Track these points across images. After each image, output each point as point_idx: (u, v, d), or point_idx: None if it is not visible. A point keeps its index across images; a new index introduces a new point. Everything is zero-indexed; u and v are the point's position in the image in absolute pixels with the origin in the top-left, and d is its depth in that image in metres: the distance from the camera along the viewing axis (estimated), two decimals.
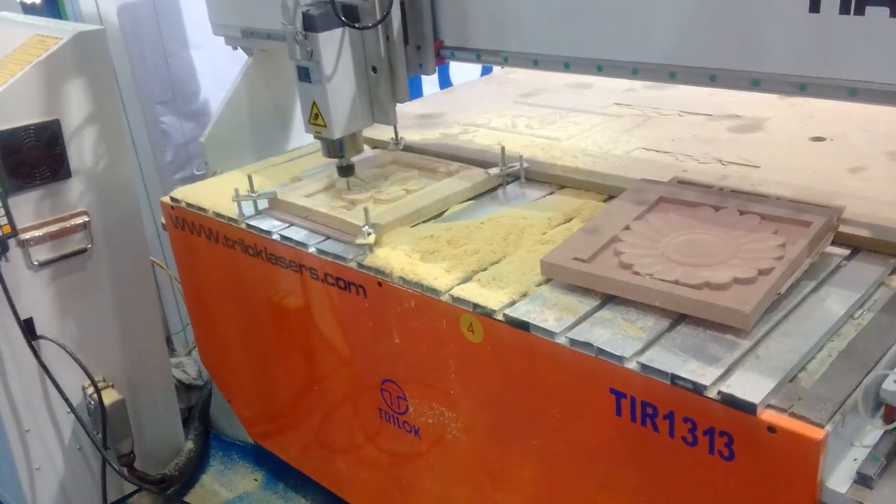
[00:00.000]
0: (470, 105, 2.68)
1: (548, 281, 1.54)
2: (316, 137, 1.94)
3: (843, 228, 1.54)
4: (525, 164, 2.02)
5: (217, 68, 2.96)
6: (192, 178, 2.98)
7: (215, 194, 2.17)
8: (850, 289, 1.41)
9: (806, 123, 2.15)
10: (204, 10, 2.54)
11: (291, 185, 2.14)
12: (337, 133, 1.89)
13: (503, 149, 2.00)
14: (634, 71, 1.61)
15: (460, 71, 3.44)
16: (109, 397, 2.24)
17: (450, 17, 1.92)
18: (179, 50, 2.92)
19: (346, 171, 2.00)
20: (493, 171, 2.00)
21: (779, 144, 2.04)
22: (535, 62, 1.77)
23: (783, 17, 1.38)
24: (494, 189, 2.02)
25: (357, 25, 1.82)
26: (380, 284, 1.69)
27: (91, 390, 2.22)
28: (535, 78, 2.87)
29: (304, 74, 1.85)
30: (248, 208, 2.02)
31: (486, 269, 1.62)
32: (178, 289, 2.97)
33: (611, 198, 1.89)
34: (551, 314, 1.43)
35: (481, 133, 2.37)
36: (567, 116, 2.44)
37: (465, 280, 1.59)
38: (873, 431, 1.22)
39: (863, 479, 1.14)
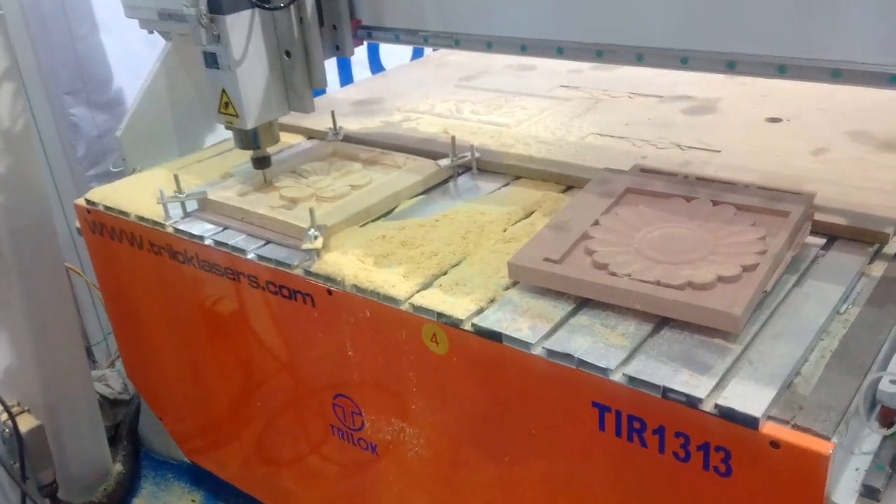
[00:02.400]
0: (409, 90, 2.53)
1: (515, 284, 1.42)
2: (227, 128, 1.78)
3: (816, 216, 1.48)
4: (477, 154, 1.89)
5: (132, 54, 2.72)
6: (108, 176, 2.74)
7: (136, 195, 1.97)
8: (833, 282, 1.35)
9: (759, 103, 2.09)
10: None
11: (222, 183, 1.95)
12: (250, 122, 1.74)
13: (453, 138, 1.87)
14: (599, 53, 1.50)
15: (391, 54, 3.29)
16: (26, 424, 2.02)
17: None
18: (89, 34, 2.66)
19: (261, 163, 1.85)
20: (444, 162, 1.87)
21: (735, 126, 1.97)
22: (457, 42, 1.65)
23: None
24: (445, 182, 1.89)
25: (268, 6, 1.66)
26: (329, 293, 1.54)
27: (4, 417, 2.00)
28: (474, 60, 2.74)
29: (211, 60, 1.69)
30: (175, 210, 1.84)
31: (446, 273, 1.49)
32: (98, 295, 2.75)
33: (569, 188, 1.79)
34: (524, 322, 1.31)
35: (425, 120, 2.23)
36: (513, 100, 2.33)
37: (426, 286, 1.46)
38: (871, 436, 1.15)
39: (869, 492, 1.07)
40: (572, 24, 1.54)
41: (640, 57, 1.51)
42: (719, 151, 1.83)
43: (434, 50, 2.96)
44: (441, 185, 1.87)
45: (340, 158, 2.03)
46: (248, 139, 1.78)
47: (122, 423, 2.59)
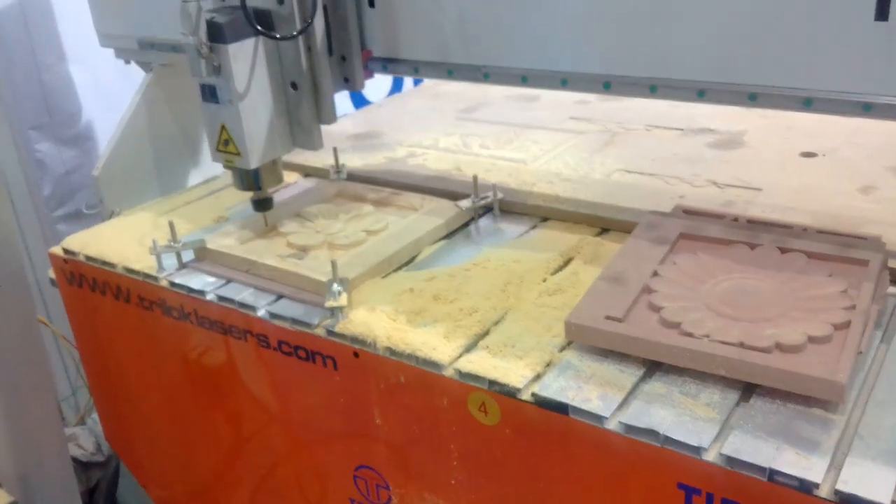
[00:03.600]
0: (407, 123, 2.39)
1: (569, 343, 1.27)
2: (226, 167, 1.61)
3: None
4: (499, 195, 1.75)
5: (101, 85, 2.52)
6: (78, 217, 2.54)
7: (121, 242, 1.77)
8: None
9: (787, 137, 2.00)
10: (83, 17, 2.12)
11: (218, 228, 1.77)
12: (254, 161, 1.57)
13: (475, 177, 1.73)
14: (653, 88, 1.37)
15: (370, 83, 3.14)
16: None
17: (379, 24, 1.64)
18: (55, 64, 2.46)
19: (262, 205, 1.68)
20: (465, 203, 1.72)
21: (770, 162, 1.86)
22: (486, 75, 1.52)
23: (843, 26, 1.17)
24: (466, 225, 1.74)
25: (275, 35, 1.50)
26: (356, 355, 1.37)
27: None
28: (471, 90, 2.61)
29: (209, 93, 1.52)
30: (169, 261, 1.65)
31: (490, 332, 1.34)
32: (66, 347, 2.52)
33: (604, 231, 1.66)
34: (592, 390, 1.16)
35: (432, 156, 2.08)
36: (523, 134, 2.20)
37: (470, 347, 1.30)
38: None
39: None
40: (596, 54, 1.42)
41: (653, 88, 1.40)
42: (760, 190, 1.71)
43: (416, 81, 2.83)
44: (462, 229, 1.72)
45: (348, 200, 1.86)
46: (250, 179, 1.61)
47: (97, 489, 2.36)
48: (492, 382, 1.22)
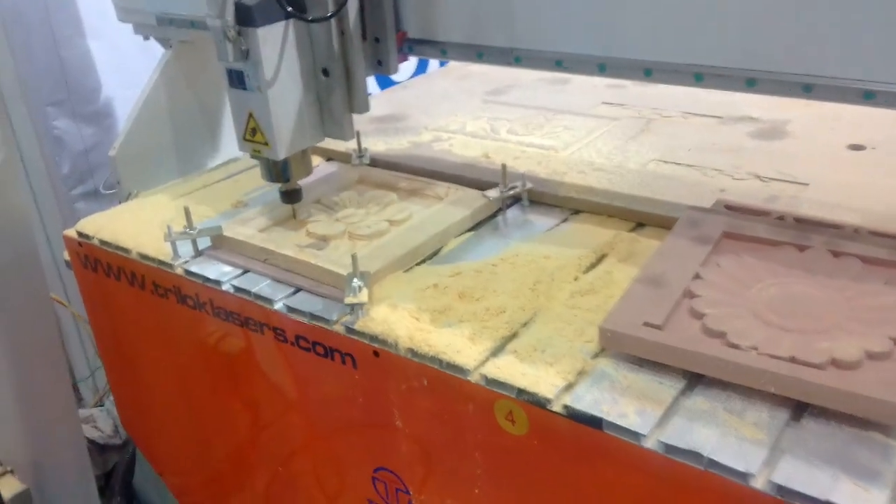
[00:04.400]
0: (433, 105, 2.30)
1: (603, 350, 1.20)
2: (253, 157, 1.53)
3: None
4: (528, 185, 1.66)
5: (121, 60, 2.47)
6: (96, 196, 2.50)
7: (137, 226, 1.71)
8: None
9: (833, 128, 1.89)
10: None
11: (236, 214, 1.71)
12: (282, 152, 1.49)
13: (504, 166, 1.64)
14: (698, 76, 1.27)
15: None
16: (10, 488, 1.76)
17: (415, 3, 1.55)
18: (74, 38, 2.40)
19: (291, 196, 1.60)
20: (493, 193, 1.64)
21: (815, 155, 1.76)
22: (517, 59, 1.43)
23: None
24: (493, 216, 1.66)
25: (307, 17, 1.42)
26: (376, 354, 1.31)
27: None
28: (500, 71, 2.52)
29: (237, 79, 1.44)
30: (184, 248, 1.59)
31: (518, 334, 1.26)
32: (85, 328, 2.48)
33: (640, 225, 1.57)
34: (628, 404, 1.09)
35: (458, 141, 2.00)
36: (554, 119, 2.10)
37: (497, 351, 1.23)
38: None
39: None
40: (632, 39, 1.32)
41: (698, 77, 1.30)
42: (807, 185, 1.62)
43: (443, 62, 2.74)
44: (489, 220, 1.64)
45: (370, 187, 1.79)
46: (278, 171, 1.54)
47: (114, 473, 2.33)
48: (520, 391, 1.14)
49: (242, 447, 1.77)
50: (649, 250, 1.45)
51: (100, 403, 2.55)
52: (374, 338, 1.30)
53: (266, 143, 1.46)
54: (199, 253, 1.58)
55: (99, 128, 2.50)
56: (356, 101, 1.52)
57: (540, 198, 1.68)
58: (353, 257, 1.32)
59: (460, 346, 1.22)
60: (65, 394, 1.99)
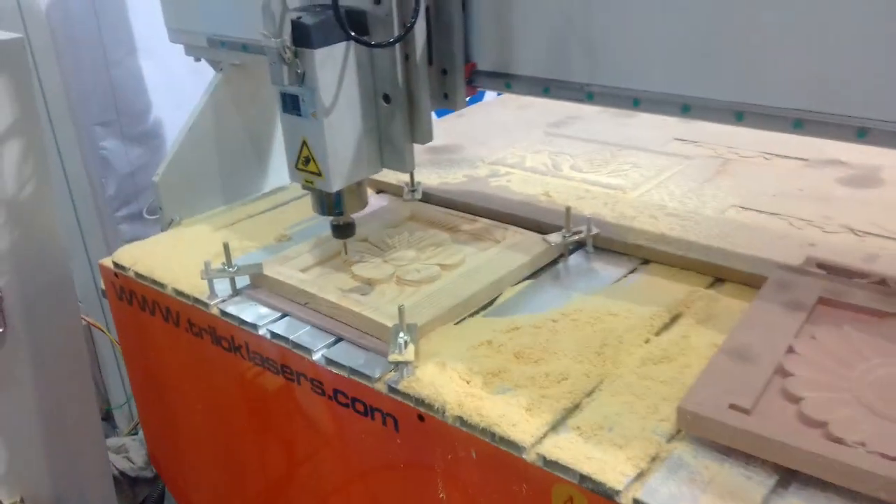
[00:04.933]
0: (490, 136, 2.18)
1: (679, 431, 1.05)
2: (305, 188, 1.42)
3: None
4: (594, 230, 1.52)
5: (173, 81, 2.40)
6: (141, 218, 2.43)
7: (173, 258, 1.62)
8: None
9: None
10: (155, 10, 1.99)
11: (280, 249, 1.60)
12: (336, 184, 1.37)
13: (569, 210, 1.51)
14: (798, 123, 1.12)
15: None
16: None
17: (488, 33, 1.42)
18: (125, 58, 2.35)
19: (343, 231, 1.48)
20: (554, 237, 1.50)
21: None
22: (589, 95, 1.29)
23: None
24: (554, 262, 1.52)
25: (370, 42, 1.30)
26: (421, 418, 1.18)
27: None
28: (563, 102, 2.38)
29: (291, 104, 1.33)
30: (222, 285, 1.48)
31: (581, 407, 1.12)
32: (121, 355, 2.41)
33: (718, 280, 1.41)
34: (711, 502, 0.93)
35: (517, 177, 1.87)
36: (620, 155, 1.96)
37: (558, 426, 1.09)
38: None
39: None
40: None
41: (797, 124, 1.14)
42: None
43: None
44: (549, 267, 1.51)
45: (421, 224, 1.67)
46: (331, 203, 1.43)
47: None
48: (583, 477, 1.00)
49: (272, 495, 1.65)
50: (730, 312, 1.30)
51: (133, 432, 2.48)
52: (419, 401, 1.17)
53: (319, 174, 1.34)
54: (236, 292, 1.48)
55: (147, 149, 2.44)
56: (419, 130, 1.39)
57: (606, 244, 1.54)
58: (400, 309, 1.20)
59: (516, 418, 1.09)
60: (93, 426, 1.91)
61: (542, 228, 1.58)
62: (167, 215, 1.91)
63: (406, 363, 1.18)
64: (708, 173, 1.81)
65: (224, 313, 1.44)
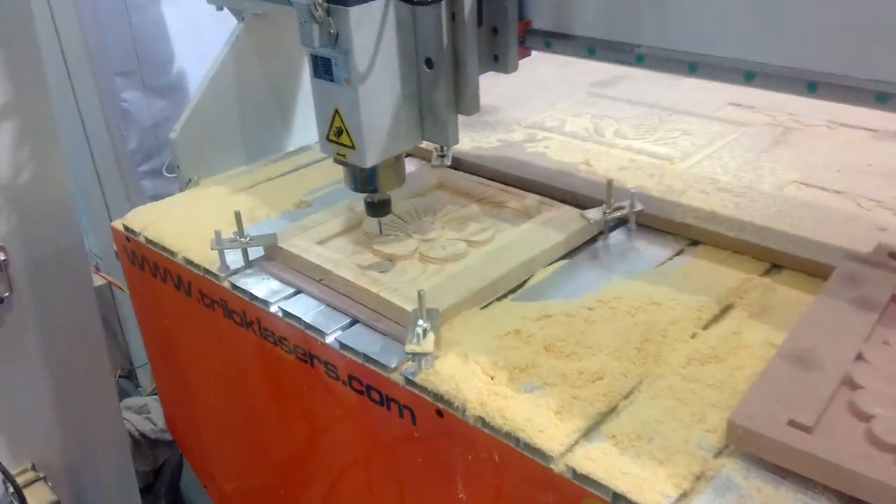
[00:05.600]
0: (529, 96, 2.03)
1: (727, 446, 0.93)
2: (337, 161, 1.29)
3: None
4: (638, 206, 1.39)
5: (197, 30, 2.29)
6: (163, 175, 2.34)
7: (186, 224, 1.53)
8: None
9: None
10: None
11: (297, 219, 1.49)
12: (371, 158, 1.24)
13: (610, 182, 1.37)
14: (881, 97, 0.97)
15: None
16: (39, 498, 1.63)
17: None
18: (147, 4, 2.23)
19: (378, 209, 1.36)
20: (594, 214, 1.37)
21: None
22: (639, 57, 1.14)
23: None
24: (593, 240, 1.39)
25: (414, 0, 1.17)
26: (440, 414, 1.07)
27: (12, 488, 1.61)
28: None
29: (323, 68, 1.20)
30: (234, 256, 1.39)
31: (618, 409, 1.01)
32: None
33: (775, 267, 1.27)
34: None
35: (555, 143, 1.73)
36: (670, 121, 1.81)
37: (591, 432, 0.97)
38: None
39: None
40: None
41: (881, 97, 0.99)
42: None
43: None
44: (586, 246, 1.38)
45: (449, 193, 1.55)
46: (365, 179, 1.30)
47: (162, 472, 2.20)
48: (617, 496, 0.89)
49: (287, 469, 1.58)
50: (788, 305, 1.17)
51: (156, 392, 2.43)
52: (437, 396, 1.06)
53: (353, 147, 1.22)
54: (249, 263, 1.38)
55: (170, 101, 2.34)
56: (464, 99, 1.25)
57: (650, 221, 1.41)
58: (420, 295, 1.09)
59: (544, 423, 0.98)
60: (106, 390, 1.85)
61: (579, 202, 1.45)
62: (185, 174, 1.81)
63: (424, 354, 1.08)
64: (765, 143, 1.65)
65: (235, 287, 1.35)
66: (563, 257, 1.34)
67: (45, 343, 1.65)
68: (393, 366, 1.12)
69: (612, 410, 1.01)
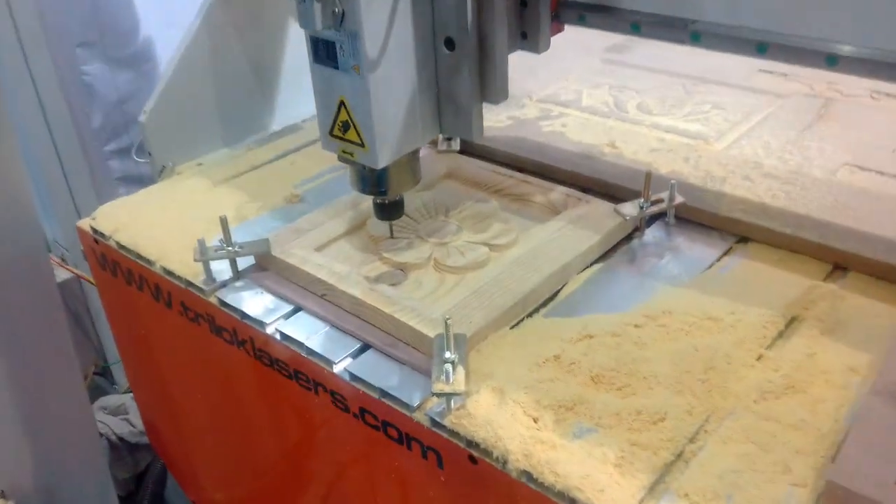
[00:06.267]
0: (537, 62, 1.81)
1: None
2: (343, 161, 1.11)
3: None
4: (679, 199, 1.22)
5: None
6: (131, 157, 2.13)
7: (163, 224, 1.35)
8: None
9: None
10: None
11: (289, 217, 1.32)
12: (384, 157, 1.05)
13: (649, 175, 1.20)
14: None
15: None
16: None
17: None
18: None
19: (389, 211, 1.18)
20: (629, 209, 1.21)
21: None
22: (762, 47, 0.96)
23: None
24: (629, 238, 1.23)
25: None
26: (473, 460, 0.92)
27: None
28: None
29: (326, 54, 1.01)
30: (220, 265, 1.21)
31: (685, 458, 0.86)
32: None
33: (838, 268, 1.13)
34: None
35: (573, 119, 1.56)
36: (697, 92, 1.64)
37: (656, 487, 0.83)
38: None
39: None
40: None
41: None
42: None
43: None
44: (622, 245, 1.22)
45: (462, 186, 1.37)
46: (375, 180, 1.12)
47: (144, 479, 2.04)
48: None
49: (282, 492, 1.43)
50: (862, 318, 1.03)
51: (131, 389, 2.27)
52: (472, 443, 0.91)
53: (362, 145, 1.03)
54: (238, 275, 1.21)
55: (137, 73, 2.12)
56: (491, 85, 1.06)
57: (691, 214, 1.25)
58: (447, 324, 0.92)
59: (603, 480, 0.83)
60: (78, 400, 1.67)
61: (609, 191, 1.29)
62: (158, 161, 1.62)
63: (454, 395, 0.92)
64: (807, 118, 1.49)
65: (223, 303, 1.18)
66: (597, 260, 1.18)
67: (5, 352, 1.47)
68: (416, 404, 0.96)
69: (679, 456, 0.86)
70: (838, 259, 1.13)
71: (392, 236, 1.20)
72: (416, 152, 1.12)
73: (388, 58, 0.98)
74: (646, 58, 1.81)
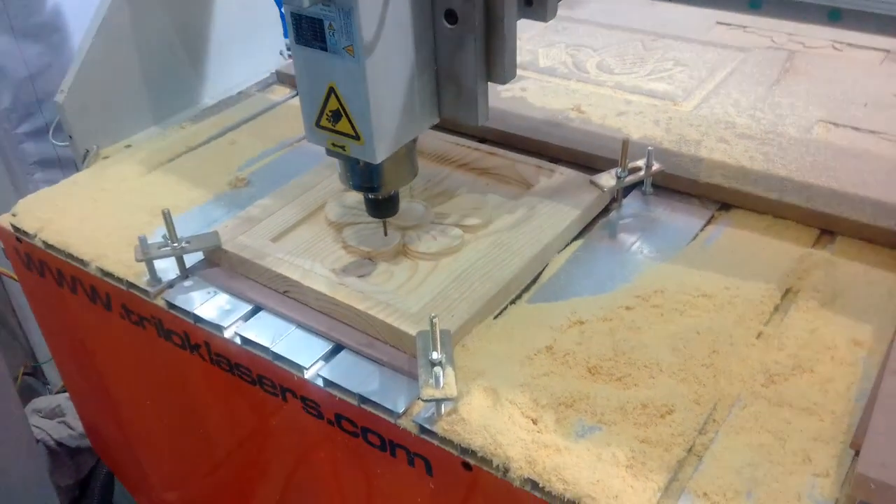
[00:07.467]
0: None
1: (854, 498, 0.74)
2: (333, 154, 0.98)
3: None
4: (656, 165, 1.16)
5: None
6: (47, 139, 1.95)
7: (94, 219, 1.22)
8: None
9: None
10: None
11: (236, 205, 1.20)
12: (382, 150, 0.93)
13: (626, 143, 1.13)
14: None
15: None
16: None
17: None
18: None
19: (383, 209, 1.05)
20: (606, 180, 1.14)
21: None
22: (835, 13, 0.88)
23: None
24: (606, 211, 1.16)
25: None
26: (468, 467, 0.85)
27: None
28: None
29: (311, 33, 0.88)
30: (165, 263, 1.09)
31: (697, 451, 0.80)
32: None
33: (826, 233, 1.09)
34: None
35: (533, 83, 1.47)
36: (656, 48, 1.57)
37: (671, 487, 0.77)
38: None
39: None
40: None
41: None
42: None
43: None
44: (600, 219, 1.15)
45: (425, 160, 1.27)
46: (369, 176, 1.00)
47: (90, 484, 1.91)
48: None
49: (245, 495, 1.34)
50: (858, 287, 0.99)
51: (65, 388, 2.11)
52: (467, 451, 0.83)
53: (356, 137, 0.92)
54: (186, 273, 1.09)
55: (46, 45, 1.93)
56: (499, 63, 0.95)
57: (669, 182, 1.19)
58: (433, 323, 0.83)
59: (616, 485, 0.76)
60: (10, 407, 1.53)
61: (580, 160, 1.23)
62: (80, 145, 1.46)
63: (445, 400, 0.84)
64: (773, 72, 1.44)
65: (172, 305, 1.06)
66: (576, 237, 1.11)
67: None
68: (401, 410, 0.88)
69: (690, 450, 0.81)
70: (826, 223, 1.08)
71: (386, 234, 1.08)
72: (413, 142, 1.01)
73: (385, 36, 0.87)
74: (598, 13, 1.72)
